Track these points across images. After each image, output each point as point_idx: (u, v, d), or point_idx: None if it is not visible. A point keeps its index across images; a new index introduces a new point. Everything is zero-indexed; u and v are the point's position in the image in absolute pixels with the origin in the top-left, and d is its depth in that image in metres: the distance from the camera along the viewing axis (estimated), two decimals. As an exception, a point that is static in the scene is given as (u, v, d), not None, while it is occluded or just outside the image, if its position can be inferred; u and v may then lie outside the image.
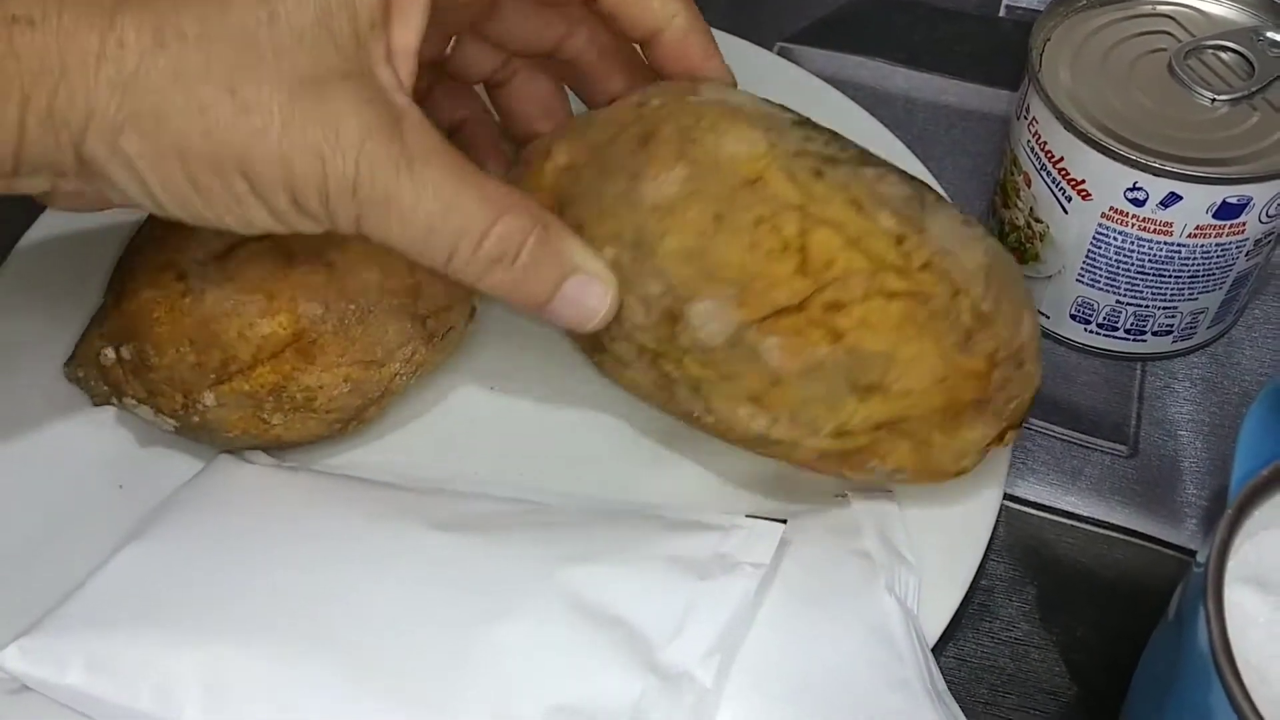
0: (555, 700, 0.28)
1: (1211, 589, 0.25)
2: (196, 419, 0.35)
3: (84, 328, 0.37)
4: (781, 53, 0.52)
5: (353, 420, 0.37)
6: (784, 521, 0.31)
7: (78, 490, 0.36)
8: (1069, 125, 0.36)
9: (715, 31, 0.35)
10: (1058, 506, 0.38)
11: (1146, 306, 0.39)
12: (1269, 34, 0.38)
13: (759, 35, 0.51)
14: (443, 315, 0.37)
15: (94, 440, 0.38)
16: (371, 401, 0.37)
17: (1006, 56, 0.50)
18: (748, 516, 0.32)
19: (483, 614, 0.29)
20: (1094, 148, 0.36)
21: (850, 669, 0.30)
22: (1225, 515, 0.26)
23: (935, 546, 0.34)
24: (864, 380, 0.30)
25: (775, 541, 0.31)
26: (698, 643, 0.29)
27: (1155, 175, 0.35)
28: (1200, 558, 0.27)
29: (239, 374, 0.34)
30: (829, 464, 0.32)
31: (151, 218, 0.35)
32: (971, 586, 0.36)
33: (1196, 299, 0.39)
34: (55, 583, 0.32)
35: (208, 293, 0.34)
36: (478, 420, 0.39)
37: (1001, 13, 0.53)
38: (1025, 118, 0.39)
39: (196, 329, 0.34)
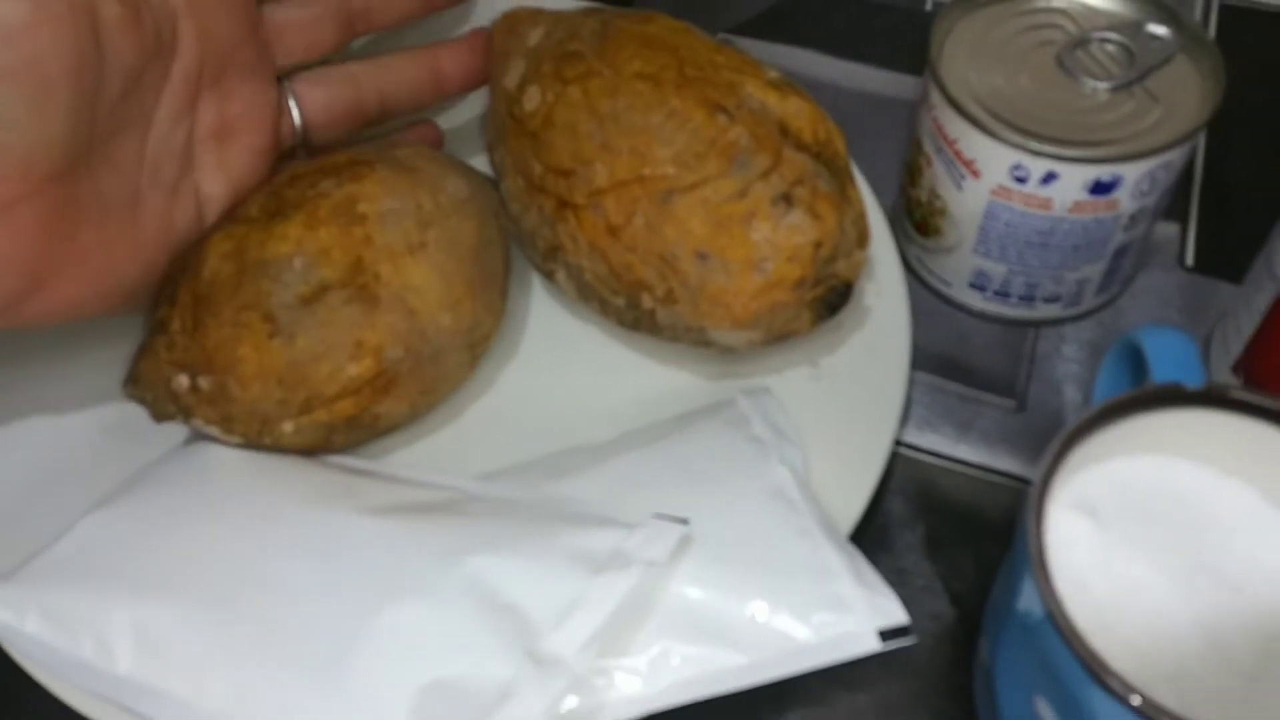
0: (433, 677, 0.31)
1: (1034, 505, 0.29)
2: (269, 441, 0.38)
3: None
4: (722, 42, 0.55)
5: (395, 429, 0.41)
6: (686, 521, 0.34)
7: (67, 468, 0.40)
8: (960, 110, 0.40)
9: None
10: (950, 454, 0.42)
11: (1035, 275, 0.43)
12: (1149, 27, 0.42)
13: (702, 26, 0.55)
14: (485, 342, 0.41)
15: (83, 428, 0.42)
16: (417, 417, 0.41)
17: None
18: (654, 516, 0.34)
19: (383, 593, 0.32)
20: (981, 131, 0.40)
21: (759, 527, 0.35)
22: (1052, 444, 0.30)
23: (833, 483, 0.39)
24: None
25: (674, 541, 0.33)
26: (578, 634, 0.31)
27: (1035, 155, 0.39)
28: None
29: (321, 407, 0.37)
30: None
31: (212, 252, 0.37)
32: (870, 522, 0.40)
33: (1080, 269, 0.43)
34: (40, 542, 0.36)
35: (298, 337, 0.36)
36: (476, 406, 0.43)
37: (929, 6, 0.57)
38: (926, 103, 0.43)
39: (286, 370, 0.36)
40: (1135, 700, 0.26)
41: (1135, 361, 0.34)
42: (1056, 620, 0.28)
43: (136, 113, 0.36)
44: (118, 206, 0.36)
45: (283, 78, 0.42)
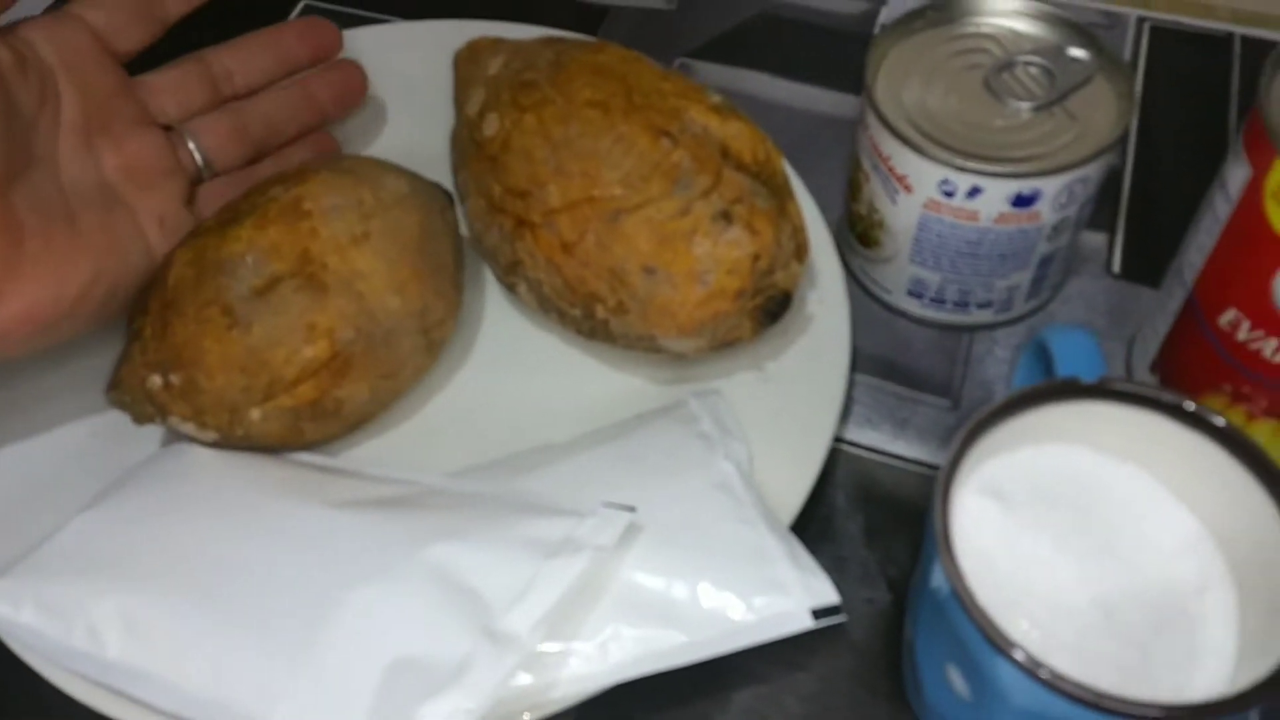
0: (397, 654, 0.33)
1: (941, 490, 0.32)
2: (240, 431, 0.41)
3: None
4: (681, 67, 0.59)
5: (364, 420, 0.43)
6: (633, 509, 0.37)
7: (60, 472, 0.43)
8: (892, 130, 0.43)
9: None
10: (889, 450, 0.45)
11: (967, 283, 0.46)
12: (1070, 51, 0.45)
13: (661, 51, 0.59)
14: (440, 328, 0.44)
15: (73, 435, 0.45)
16: (382, 405, 0.43)
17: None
18: (604, 505, 0.37)
19: (351, 579, 0.35)
20: (912, 149, 0.43)
21: (704, 516, 0.38)
22: (958, 435, 0.32)
23: (777, 477, 0.41)
24: None
25: (622, 527, 0.36)
26: (531, 613, 0.34)
27: (960, 171, 0.42)
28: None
29: (283, 392, 0.40)
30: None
31: (177, 261, 0.41)
32: (813, 513, 0.43)
33: (1008, 276, 0.46)
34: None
35: (255, 325, 0.39)
36: (441, 409, 0.46)
37: (876, 31, 0.60)
38: (863, 124, 0.46)
39: (246, 357, 0.39)
40: (1039, 671, 0.29)
41: (1047, 359, 0.37)
42: (961, 596, 0.30)
43: (43, 150, 0.41)
44: (56, 220, 0.40)
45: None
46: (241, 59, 0.48)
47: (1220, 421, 0.33)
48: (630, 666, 0.35)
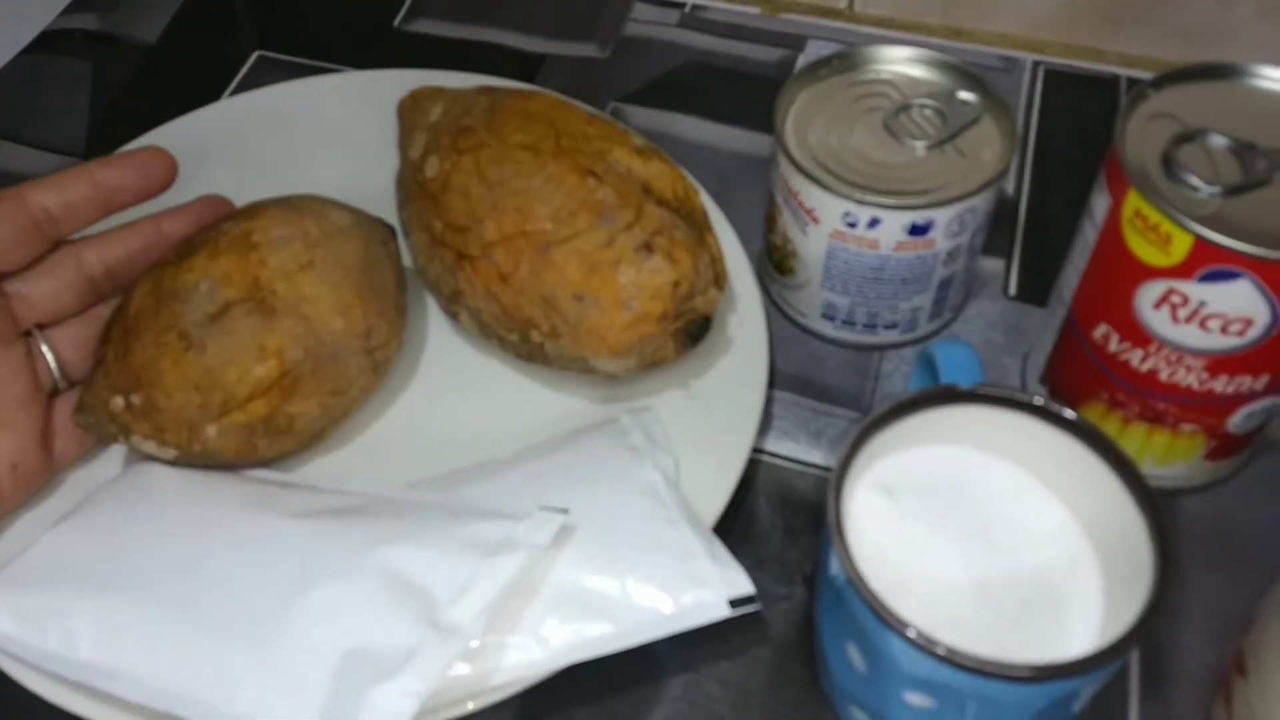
0: (352, 645, 0.37)
1: (833, 485, 0.36)
2: (198, 447, 0.44)
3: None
4: (614, 111, 0.63)
5: (317, 437, 0.47)
6: (565, 511, 0.40)
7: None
8: (799, 168, 0.47)
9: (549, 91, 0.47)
10: (805, 459, 0.49)
11: (874, 306, 0.50)
12: (960, 94, 0.50)
13: (596, 96, 0.63)
14: (385, 348, 0.47)
15: None
16: (333, 421, 0.47)
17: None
18: (540, 508, 0.41)
19: (307, 580, 0.38)
20: (817, 184, 0.47)
21: (631, 518, 0.41)
22: (848, 437, 0.36)
23: (702, 484, 0.45)
24: None
25: (556, 527, 0.39)
26: (473, 605, 0.37)
27: (859, 204, 0.46)
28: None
29: (236, 409, 0.43)
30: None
31: (138, 292, 0.44)
32: (736, 516, 0.47)
33: (911, 299, 0.50)
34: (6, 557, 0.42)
35: (209, 347, 0.43)
36: (390, 428, 0.49)
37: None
38: (774, 162, 0.50)
39: (201, 376, 0.43)
40: (926, 644, 0.33)
41: (934, 369, 0.41)
42: (854, 581, 0.34)
43: None
44: None
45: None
46: (120, 255, 0.47)
47: (1077, 418, 0.37)
48: (565, 655, 0.39)
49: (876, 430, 0.37)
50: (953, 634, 0.35)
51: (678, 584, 0.40)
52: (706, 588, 0.40)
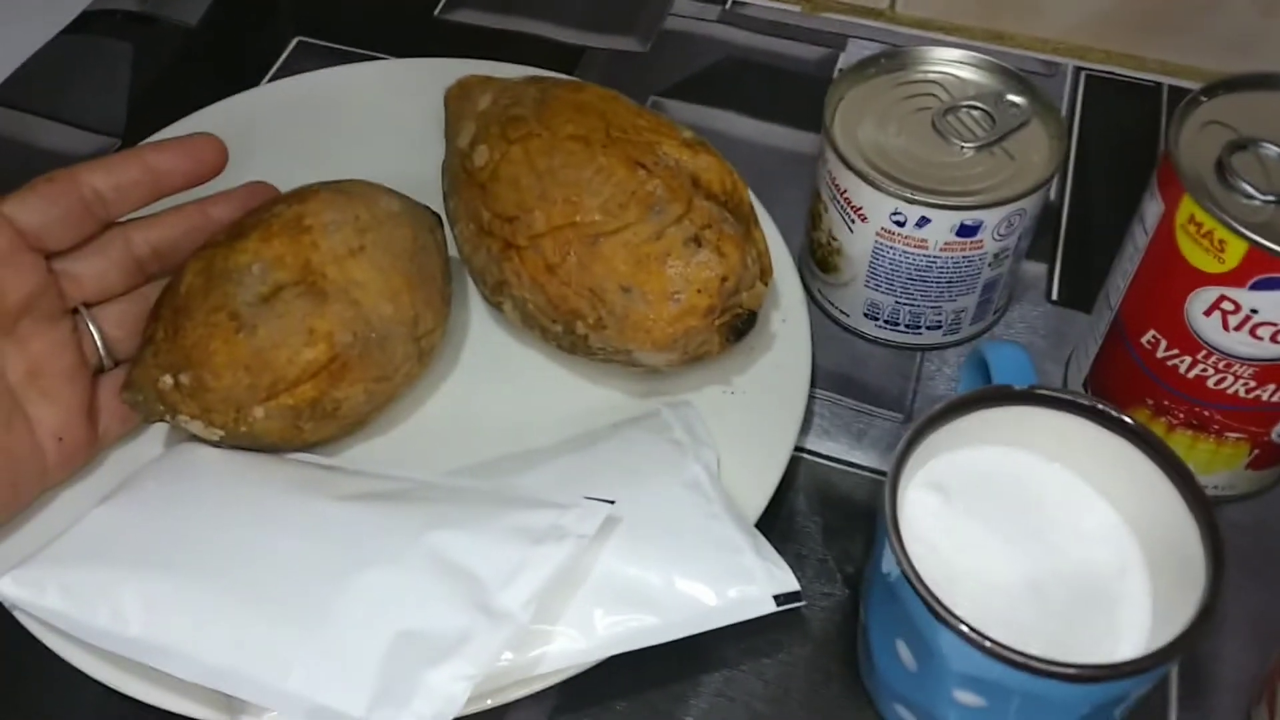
0: (403, 627, 0.37)
1: (890, 482, 0.36)
2: (244, 429, 0.44)
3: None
4: (654, 105, 0.63)
5: (360, 423, 0.47)
6: (612, 502, 0.40)
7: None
8: (848, 165, 0.47)
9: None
10: (846, 459, 0.49)
11: (918, 306, 0.50)
12: (1009, 96, 0.50)
13: (635, 90, 0.63)
14: (430, 336, 0.47)
15: None
16: (377, 408, 0.47)
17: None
18: (586, 498, 0.41)
19: (358, 562, 0.38)
20: (866, 182, 0.47)
21: (676, 512, 0.41)
22: (906, 434, 0.37)
23: (744, 481, 0.45)
24: None
25: (602, 517, 0.39)
26: (523, 592, 0.37)
27: (909, 203, 0.46)
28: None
29: (285, 391, 0.43)
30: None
31: (189, 272, 0.44)
32: (776, 514, 0.47)
33: (955, 300, 0.50)
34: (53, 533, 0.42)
35: (259, 328, 0.43)
36: (432, 417, 0.49)
37: (835, 75, 0.65)
38: (822, 159, 0.50)
39: (251, 357, 0.43)
40: (978, 640, 0.33)
41: (986, 370, 0.41)
42: (909, 576, 0.34)
43: None
44: None
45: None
46: (167, 237, 0.47)
47: (1131, 421, 0.37)
48: (610, 645, 0.39)
49: (931, 428, 0.37)
50: (1004, 632, 0.35)
51: (723, 578, 0.40)
52: (751, 583, 0.40)
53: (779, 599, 0.40)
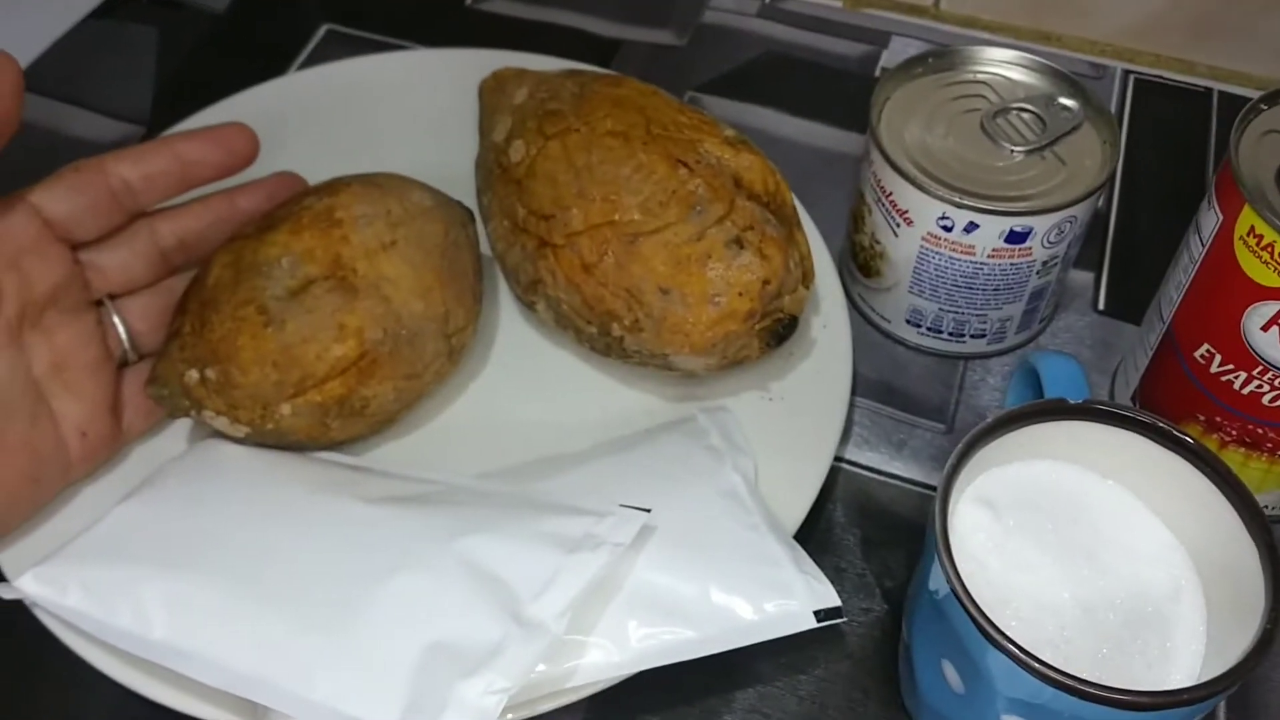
0: (434, 637, 0.36)
1: (940, 496, 0.34)
2: (270, 426, 0.43)
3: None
4: (691, 101, 0.62)
5: (388, 421, 0.46)
6: (648, 510, 0.39)
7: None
8: (895, 167, 0.46)
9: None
10: (886, 470, 0.48)
11: (963, 314, 0.49)
12: (1060, 100, 0.48)
13: (672, 85, 0.61)
14: (461, 334, 0.46)
15: None
16: (406, 406, 0.46)
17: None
18: (620, 506, 0.39)
19: (387, 567, 0.37)
20: (913, 185, 0.46)
21: (713, 521, 0.40)
22: (955, 450, 0.35)
23: (781, 491, 0.44)
24: None
25: (638, 526, 0.38)
26: (556, 602, 0.36)
27: (957, 207, 0.45)
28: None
29: (313, 388, 0.42)
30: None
31: (216, 264, 0.43)
32: (814, 525, 0.45)
33: (1001, 308, 0.49)
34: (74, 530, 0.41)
35: (288, 323, 0.42)
36: (461, 417, 0.48)
37: (877, 73, 0.63)
38: (867, 160, 0.48)
39: (279, 353, 0.42)
40: (1030, 661, 0.31)
41: (1036, 382, 0.39)
42: (959, 594, 0.33)
43: None
44: None
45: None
46: (193, 228, 0.46)
47: (1190, 439, 0.35)
48: (644, 659, 0.37)
49: (983, 441, 0.36)
50: (1053, 654, 0.34)
51: (762, 592, 0.38)
52: (791, 597, 0.38)
53: (819, 614, 0.38)
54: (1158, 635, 0.35)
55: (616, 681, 0.38)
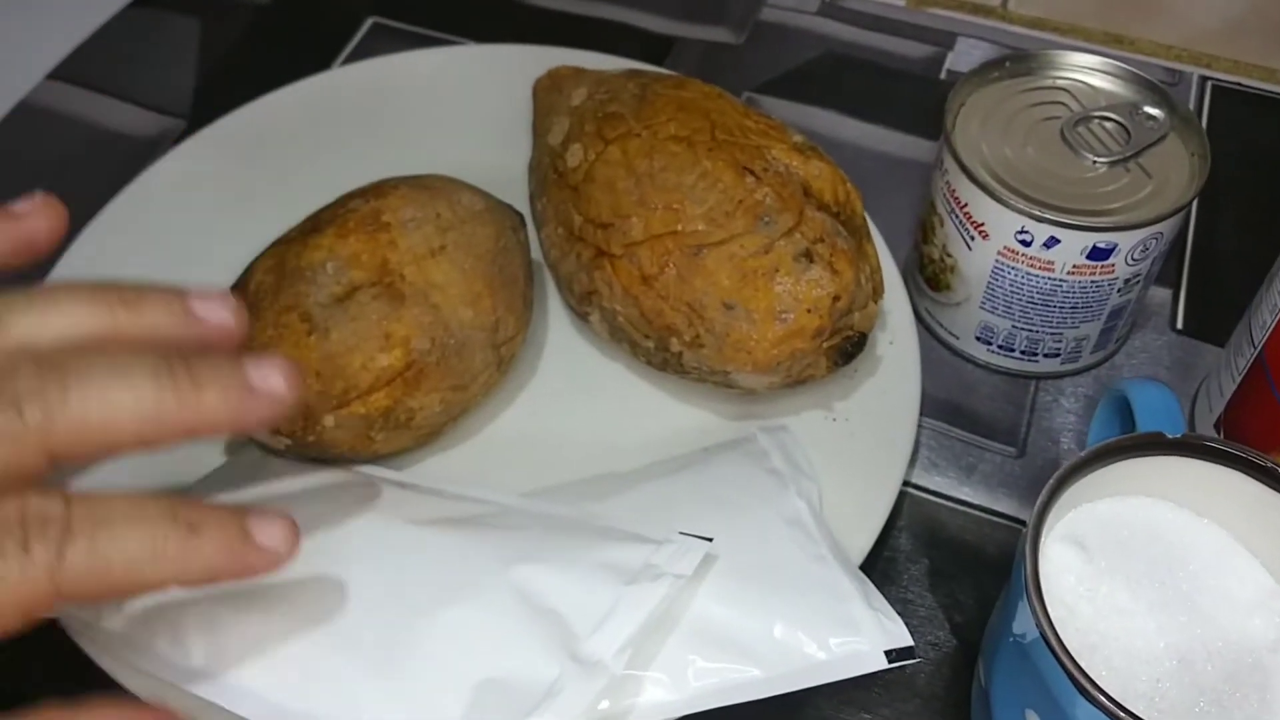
0: (486, 674, 0.34)
1: (1030, 534, 0.32)
2: (312, 438, 0.41)
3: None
4: (748, 102, 0.59)
5: (434, 434, 0.44)
6: (710, 540, 0.37)
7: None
8: (972, 177, 0.44)
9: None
10: (954, 495, 0.45)
11: (1037, 332, 0.47)
12: (1146, 108, 0.46)
13: (728, 85, 0.59)
14: (511, 343, 0.44)
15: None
16: (452, 419, 0.44)
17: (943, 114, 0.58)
18: (680, 534, 0.37)
19: (438, 598, 0.35)
20: (990, 196, 0.43)
21: (777, 551, 0.38)
22: (1049, 482, 0.33)
23: (846, 517, 0.42)
24: None
25: (700, 556, 0.36)
26: (615, 638, 0.34)
27: (1038, 221, 0.43)
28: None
29: (357, 399, 0.40)
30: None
31: (258, 269, 0.41)
32: (878, 555, 0.43)
33: (1078, 327, 0.46)
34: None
35: (332, 332, 0.40)
36: (508, 431, 0.46)
37: (943, 75, 0.61)
38: (940, 168, 0.46)
39: (323, 362, 0.40)
40: (1119, 713, 0.29)
41: (1124, 412, 0.37)
42: (1049, 640, 0.31)
43: None
44: None
45: None
46: None
47: (1304, 481, 0.33)
48: (704, 698, 0.35)
49: (1076, 476, 0.34)
50: (1148, 708, 0.32)
51: (831, 629, 0.36)
52: (861, 635, 0.36)
53: (891, 655, 0.36)
54: (1258, 689, 0.32)
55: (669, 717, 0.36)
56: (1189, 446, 0.34)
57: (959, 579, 0.43)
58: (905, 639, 0.36)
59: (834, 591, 0.37)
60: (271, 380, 0.30)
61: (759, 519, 0.39)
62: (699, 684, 0.35)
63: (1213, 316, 0.51)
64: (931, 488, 0.46)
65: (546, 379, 0.47)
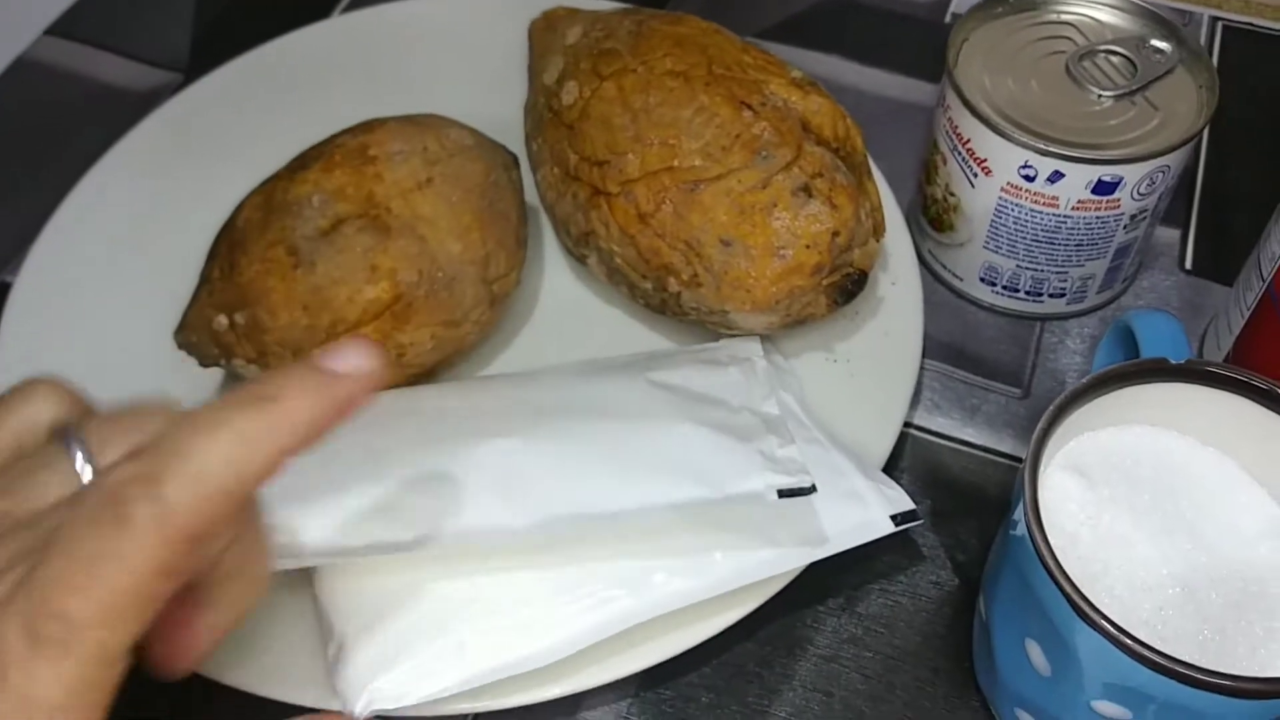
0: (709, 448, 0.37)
1: (1030, 463, 0.31)
2: None
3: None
4: (750, 48, 0.58)
5: (426, 374, 0.43)
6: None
7: None
8: (974, 112, 0.43)
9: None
10: (957, 436, 0.45)
11: (1042, 271, 0.46)
12: (1152, 41, 0.45)
13: (731, 30, 0.58)
14: (503, 281, 0.43)
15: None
16: (444, 358, 0.43)
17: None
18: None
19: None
20: (993, 131, 0.42)
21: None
22: (1047, 411, 0.32)
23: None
24: None
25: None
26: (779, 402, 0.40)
27: (1042, 155, 0.42)
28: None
29: (345, 333, 0.40)
30: None
31: (247, 206, 0.41)
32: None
33: (1084, 265, 0.46)
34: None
35: (318, 264, 0.39)
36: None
37: (948, 19, 0.60)
38: (942, 105, 0.45)
39: (310, 295, 0.39)
40: (1128, 641, 0.29)
41: (1129, 344, 0.36)
42: (1049, 568, 0.30)
43: None
44: None
45: None
46: None
47: (1313, 407, 0.32)
48: (727, 581, 0.36)
49: (1077, 403, 0.33)
50: (1150, 635, 0.31)
51: (834, 503, 0.38)
52: (864, 504, 0.38)
53: (896, 519, 0.38)
54: (1263, 617, 0.32)
55: (700, 600, 0.36)
56: (1193, 373, 0.33)
57: (962, 519, 0.42)
58: (907, 503, 0.38)
59: (833, 468, 0.39)
60: (349, 359, 0.28)
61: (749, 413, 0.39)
62: (719, 570, 0.36)
63: (1222, 256, 0.50)
64: (935, 429, 0.45)
65: (541, 323, 0.47)
